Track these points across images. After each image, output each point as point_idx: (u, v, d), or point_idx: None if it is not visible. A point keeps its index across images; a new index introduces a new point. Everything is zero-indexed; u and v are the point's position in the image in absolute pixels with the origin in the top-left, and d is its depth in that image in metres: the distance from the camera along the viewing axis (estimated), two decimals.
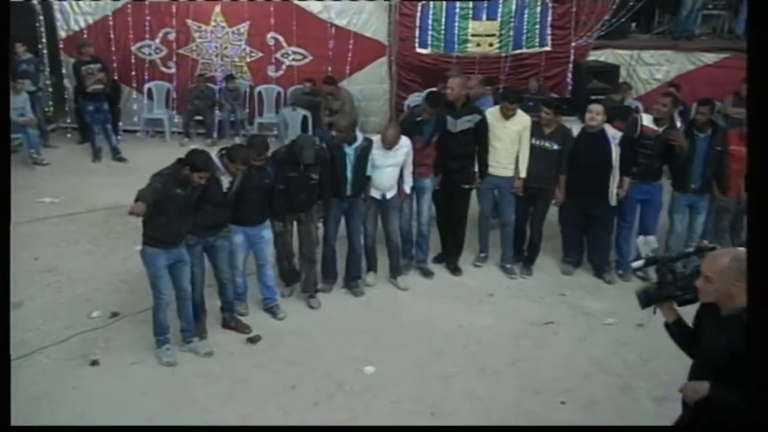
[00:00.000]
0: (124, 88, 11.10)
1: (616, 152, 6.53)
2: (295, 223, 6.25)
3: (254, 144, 5.74)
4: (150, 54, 11.10)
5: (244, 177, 5.61)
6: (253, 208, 5.79)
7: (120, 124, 10.86)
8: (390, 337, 5.86)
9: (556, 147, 6.63)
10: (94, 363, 5.41)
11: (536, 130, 6.67)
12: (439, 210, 7.00)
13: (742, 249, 3.05)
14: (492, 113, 6.79)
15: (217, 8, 10.86)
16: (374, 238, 6.69)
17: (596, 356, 5.65)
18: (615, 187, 6.61)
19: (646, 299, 3.38)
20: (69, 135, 11.17)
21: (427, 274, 6.95)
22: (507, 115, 6.66)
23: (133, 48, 10.99)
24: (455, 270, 7.02)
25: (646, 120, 6.69)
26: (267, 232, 5.97)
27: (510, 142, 6.68)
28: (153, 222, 5.06)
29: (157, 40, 11.01)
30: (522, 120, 6.72)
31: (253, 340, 5.75)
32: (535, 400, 5.04)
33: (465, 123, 6.58)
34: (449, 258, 7.10)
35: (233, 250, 5.85)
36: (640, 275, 6.89)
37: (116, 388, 5.12)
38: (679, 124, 6.72)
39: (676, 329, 3.36)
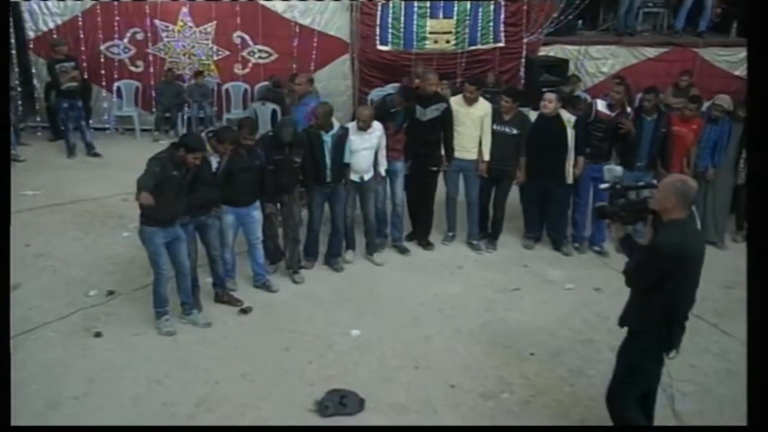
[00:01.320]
0: (94, 87, 11.34)
1: (570, 135, 7.17)
2: (279, 205, 6.73)
3: (244, 125, 6.23)
4: (119, 53, 11.38)
5: (235, 158, 6.08)
6: (244, 188, 6.23)
7: (90, 121, 11.07)
8: (371, 306, 6.37)
9: (515, 131, 7.22)
10: (98, 335, 5.78)
11: (497, 116, 7.27)
12: (409, 192, 7.52)
13: (692, 180, 3.88)
14: (456, 101, 7.38)
15: (185, 9, 11.21)
16: (353, 219, 7.20)
17: (559, 316, 6.25)
18: (571, 166, 7.25)
19: (601, 214, 4.15)
20: (39, 133, 11.36)
21: (403, 251, 7.47)
22: (469, 101, 7.24)
23: (102, 48, 11.26)
24: (427, 245, 7.57)
25: (601, 105, 7.35)
26: (257, 213, 6.41)
27: (473, 127, 7.26)
28: (152, 189, 5.37)
29: (126, 40, 11.31)
30: (484, 106, 7.31)
31: (245, 311, 6.19)
32: (507, 353, 5.59)
33: (433, 112, 7.15)
34: (420, 235, 7.64)
35: (223, 228, 6.28)
36: (596, 250, 7.56)
37: (122, 355, 5.51)
38: (629, 110, 7.37)
39: (625, 244, 4.07)
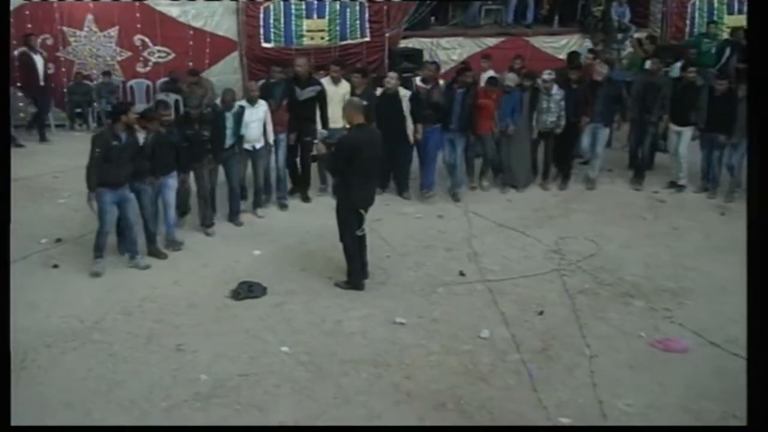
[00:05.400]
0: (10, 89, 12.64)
1: (407, 107, 9.25)
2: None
3: (159, 104, 8.02)
4: None
5: (157, 135, 7.63)
6: (163, 160, 7.71)
7: None
8: (266, 238, 8.29)
9: (365, 103, 9.13)
10: (55, 266, 7.47)
11: (353, 91, 9.30)
12: (290, 157, 9.41)
13: (356, 98, 6.87)
14: (326, 81, 9.40)
15: (90, 16, 12.69)
16: (243, 180, 9.03)
17: (410, 233, 8.40)
18: (411, 131, 9.33)
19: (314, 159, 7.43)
20: None
21: (283, 207, 9.30)
22: (335, 80, 9.33)
23: (16, 53, 12.58)
24: (306, 199, 9.52)
25: (418, 81, 9.73)
26: (172, 181, 7.93)
27: (338, 102, 9.18)
28: (100, 169, 7.04)
29: (37, 46, 12.69)
30: (345, 85, 9.41)
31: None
32: (370, 256, 7.49)
33: (309, 93, 9.10)
34: (301, 191, 9.57)
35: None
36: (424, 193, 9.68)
37: (78, 278, 7.22)
38: (441, 82, 9.67)
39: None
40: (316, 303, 6.73)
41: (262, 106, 8.73)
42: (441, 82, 9.78)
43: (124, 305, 6.66)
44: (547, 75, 9.68)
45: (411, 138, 9.32)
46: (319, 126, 9.17)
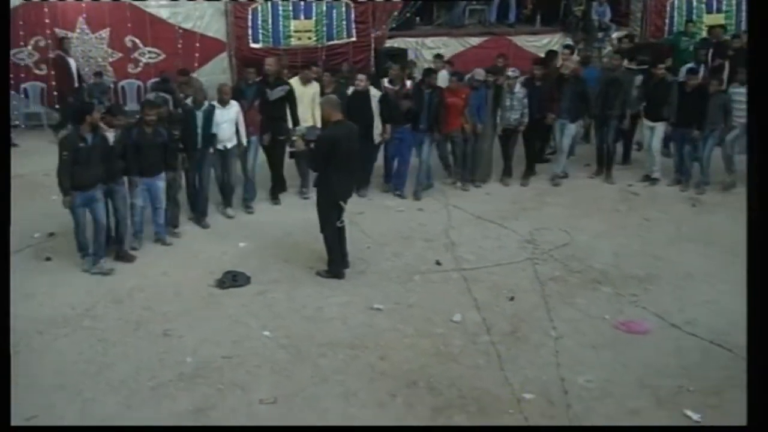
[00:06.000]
0: None
1: (376, 107, 9.49)
2: None
3: (144, 104, 8.18)
4: (23, 59, 13.03)
5: (142, 135, 7.76)
6: (149, 160, 7.82)
7: None
8: (251, 232, 8.58)
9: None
10: (48, 259, 7.78)
11: (322, 91, 9.52)
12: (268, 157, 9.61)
13: (333, 96, 7.10)
14: (294, 81, 9.59)
15: (81, 18, 13.00)
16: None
17: (391, 225, 8.72)
18: (378, 131, 9.54)
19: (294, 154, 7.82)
20: None
21: (248, 208, 9.37)
22: (305, 81, 9.54)
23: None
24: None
25: (386, 82, 9.93)
26: (161, 182, 8.09)
27: (309, 102, 9.46)
28: (70, 172, 7.20)
29: (30, 47, 12.97)
30: (314, 86, 9.62)
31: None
32: (350, 248, 7.83)
33: (278, 92, 9.27)
34: (279, 190, 9.74)
35: (136, 193, 7.91)
36: (397, 193, 9.95)
37: (70, 271, 7.51)
38: (408, 83, 10.00)
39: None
40: (297, 291, 7.04)
41: (233, 107, 8.86)
42: (408, 82, 10.04)
43: (113, 294, 6.97)
44: (511, 73, 9.94)
45: (377, 138, 9.52)
46: (290, 125, 9.31)
